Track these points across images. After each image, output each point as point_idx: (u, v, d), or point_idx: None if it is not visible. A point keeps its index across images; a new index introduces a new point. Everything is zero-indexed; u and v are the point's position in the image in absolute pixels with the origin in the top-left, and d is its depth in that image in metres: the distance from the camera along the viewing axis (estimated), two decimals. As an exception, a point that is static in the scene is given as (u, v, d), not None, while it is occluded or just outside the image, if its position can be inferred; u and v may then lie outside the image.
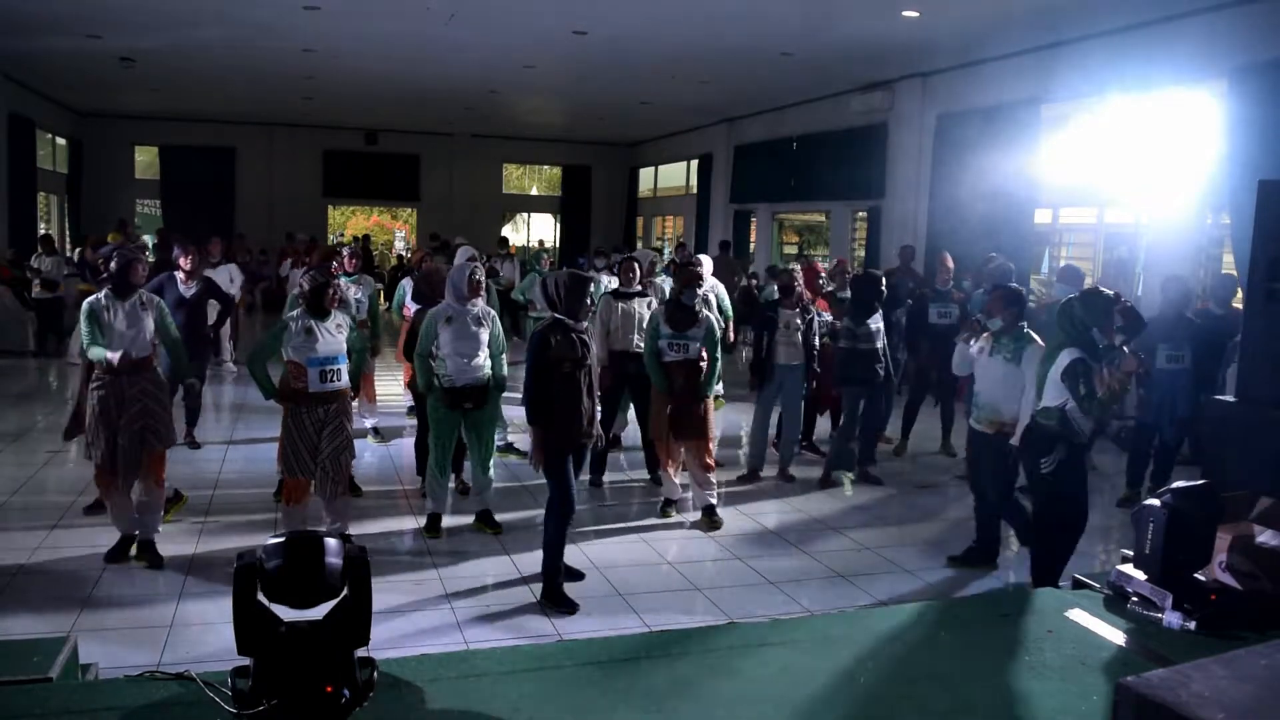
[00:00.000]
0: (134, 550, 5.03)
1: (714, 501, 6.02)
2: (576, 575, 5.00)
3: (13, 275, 12.20)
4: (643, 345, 6.59)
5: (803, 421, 7.55)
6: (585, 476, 6.68)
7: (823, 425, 8.04)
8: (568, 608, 4.57)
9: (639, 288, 6.76)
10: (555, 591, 4.65)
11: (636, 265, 6.83)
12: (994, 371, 5.11)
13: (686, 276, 6.16)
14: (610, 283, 8.58)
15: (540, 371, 4.57)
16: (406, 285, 8.21)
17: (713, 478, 6.05)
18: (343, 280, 7.69)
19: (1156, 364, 6.38)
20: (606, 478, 6.90)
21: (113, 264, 4.91)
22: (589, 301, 4.72)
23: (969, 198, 10.47)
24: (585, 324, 4.74)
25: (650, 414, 6.27)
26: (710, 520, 5.96)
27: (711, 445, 6.08)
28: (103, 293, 4.92)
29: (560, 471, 4.67)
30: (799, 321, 6.83)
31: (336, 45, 11.52)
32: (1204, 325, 6.65)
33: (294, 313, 5.02)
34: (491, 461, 5.73)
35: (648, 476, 6.81)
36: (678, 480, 6.22)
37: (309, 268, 6.55)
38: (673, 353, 5.95)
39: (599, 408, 4.87)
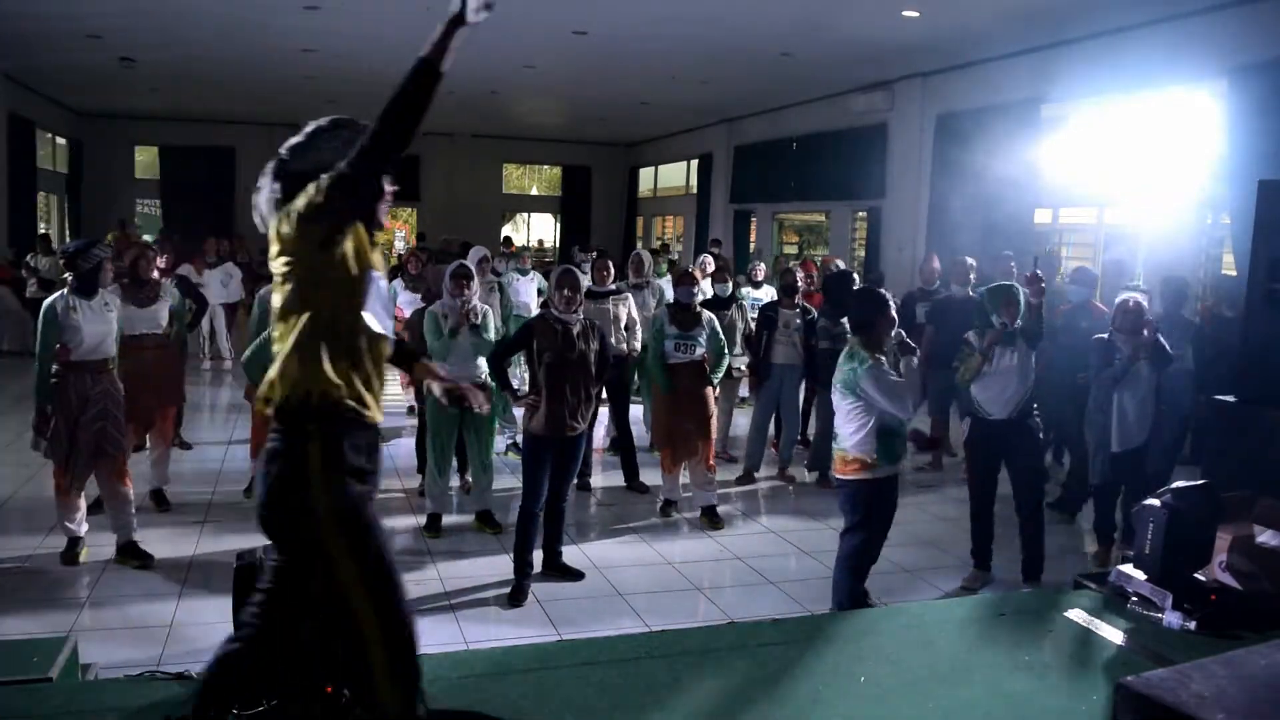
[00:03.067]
0: (94, 553, 5.01)
1: (715, 502, 6.02)
2: (576, 575, 5.00)
3: (13, 275, 12.20)
4: (642, 347, 6.59)
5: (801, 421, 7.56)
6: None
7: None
8: (515, 602, 4.64)
9: (612, 287, 6.72)
10: (515, 589, 4.70)
11: (609, 265, 6.79)
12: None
13: (680, 276, 6.20)
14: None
15: (513, 350, 4.94)
16: (397, 286, 8.24)
17: (714, 478, 6.05)
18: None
19: None
20: (606, 481, 6.90)
21: (82, 264, 4.81)
22: (571, 294, 4.75)
23: (969, 197, 10.46)
24: (574, 317, 4.76)
25: (652, 417, 6.27)
26: (711, 520, 5.97)
27: (713, 446, 6.08)
28: (63, 292, 4.82)
29: (532, 461, 4.72)
30: (798, 321, 6.82)
31: (336, 45, 11.51)
32: (1213, 328, 6.67)
33: None
34: (492, 460, 5.74)
35: (639, 480, 6.75)
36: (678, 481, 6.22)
37: None
38: (679, 354, 5.92)
39: (591, 403, 4.86)
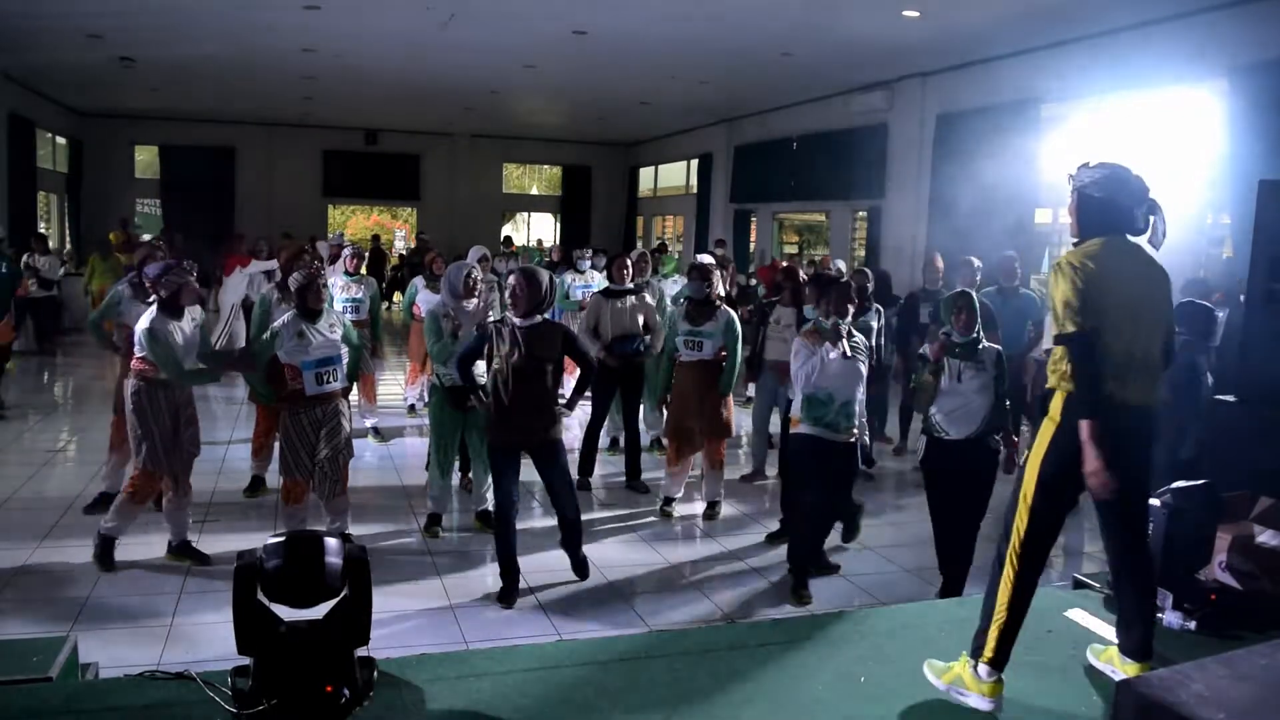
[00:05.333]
0: (165, 552, 5.07)
1: (719, 498, 6.09)
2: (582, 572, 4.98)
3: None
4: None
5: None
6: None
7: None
8: (504, 603, 4.61)
9: (630, 285, 6.70)
10: (503, 591, 4.67)
11: (628, 263, 6.77)
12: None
13: (691, 270, 6.24)
14: (588, 279, 8.60)
15: (474, 355, 4.78)
16: (418, 284, 8.25)
17: (721, 475, 6.08)
18: (343, 279, 7.72)
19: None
20: (606, 481, 6.89)
21: (162, 290, 4.80)
22: (510, 295, 4.60)
23: (969, 198, 10.46)
24: (529, 321, 4.58)
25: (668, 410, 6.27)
26: (711, 513, 6.06)
27: (724, 444, 6.07)
28: (154, 313, 4.79)
29: (494, 465, 4.73)
30: (790, 318, 6.81)
31: (336, 45, 11.51)
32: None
33: (285, 317, 5.01)
34: None
35: (640, 480, 6.74)
36: (683, 477, 6.24)
37: (281, 268, 6.55)
38: (689, 351, 5.88)
39: (545, 411, 4.64)
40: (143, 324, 4.78)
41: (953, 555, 4.75)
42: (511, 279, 4.67)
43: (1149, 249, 2.96)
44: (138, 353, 4.84)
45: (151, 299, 4.94)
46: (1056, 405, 2.89)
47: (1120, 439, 2.84)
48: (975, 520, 4.69)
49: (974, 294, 4.68)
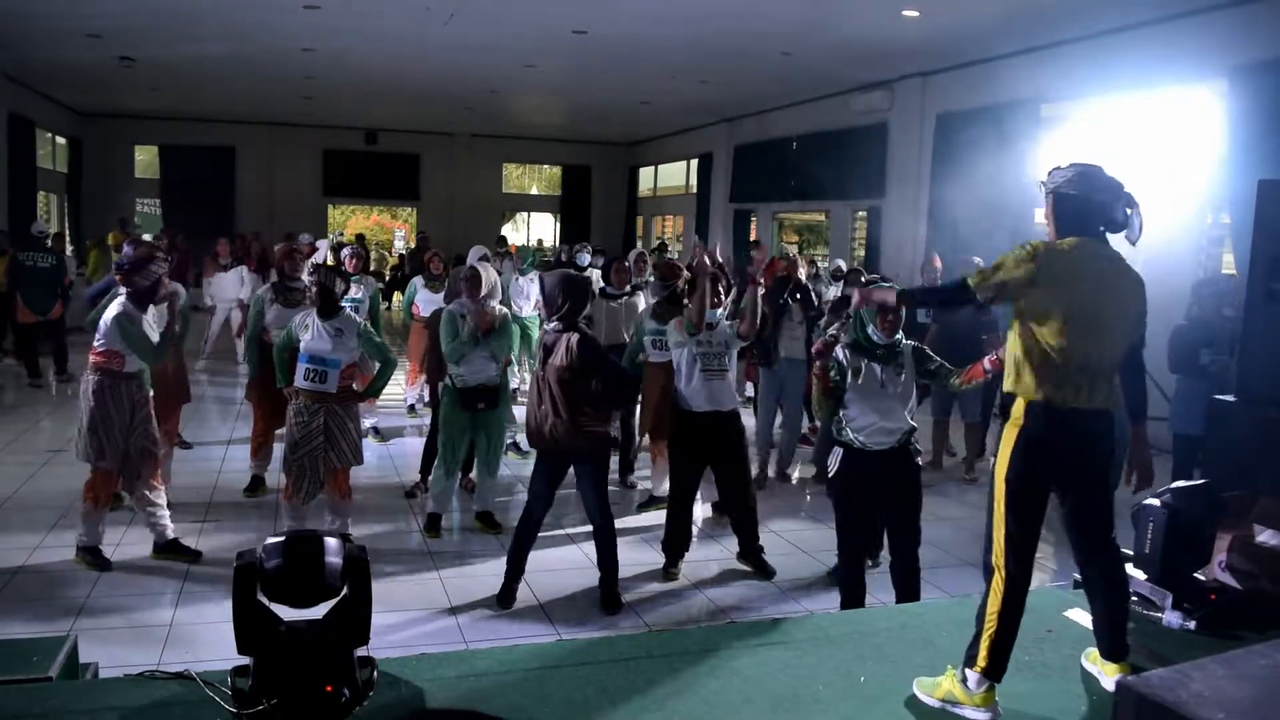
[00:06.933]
0: (151, 552, 5.05)
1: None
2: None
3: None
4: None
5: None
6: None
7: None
8: (502, 605, 4.60)
9: (625, 290, 6.69)
10: (501, 590, 4.65)
11: (627, 269, 6.74)
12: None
13: (664, 270, 6.16)
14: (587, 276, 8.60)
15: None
16: (417, 284, 8.27)
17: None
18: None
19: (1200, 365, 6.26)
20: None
21: (143, 281, 4.76)
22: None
23: (969, 198, 10.46)
24: (553, 324, 4.53)
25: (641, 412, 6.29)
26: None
27: None
28: (123, 303, 4.77)
29: (535, 464, 4.71)
30: (801, 314, 6.83)
31: (336, 45, 11.52)
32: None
33: (311, 310, 5.10)
34: (499, 462, 5.73)
35: (632, 478, 6.77)
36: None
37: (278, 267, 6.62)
38: (656, 351, 5.78)
39: (566, 423, 4.45)
40: (113, 311, 4.73)
41: (859, 575, 4.36)
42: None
43: (1126, 250, 2.96)
44: (98, 346, 4.76)
45: (122, 290, 4.86)
46: (1018, 409, 2.90)
47: (1074, 442, 2.87)
48: (916, 538, 4.35)
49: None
